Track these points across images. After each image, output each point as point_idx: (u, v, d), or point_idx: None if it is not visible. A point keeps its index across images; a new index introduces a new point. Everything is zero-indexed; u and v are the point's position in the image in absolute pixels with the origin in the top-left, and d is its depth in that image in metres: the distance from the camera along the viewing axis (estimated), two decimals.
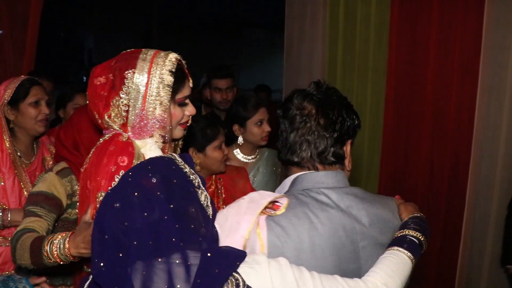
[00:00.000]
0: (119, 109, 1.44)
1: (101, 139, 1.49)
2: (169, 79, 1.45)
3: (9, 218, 2.03)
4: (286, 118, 1.27)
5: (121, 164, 1.40)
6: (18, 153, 2.24)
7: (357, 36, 3.69)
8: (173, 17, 17.03)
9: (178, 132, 1.57)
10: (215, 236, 1.09)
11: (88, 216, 1.46)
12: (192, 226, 1.00)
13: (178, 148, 1.67)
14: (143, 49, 1.50)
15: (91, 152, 1.50)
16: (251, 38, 18.89)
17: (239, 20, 19.10)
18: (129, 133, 1.45)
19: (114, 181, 1.38)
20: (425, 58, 3.13)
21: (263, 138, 2.58)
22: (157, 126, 1.45)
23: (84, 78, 15.24)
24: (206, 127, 2.38)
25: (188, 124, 1.61)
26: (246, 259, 1.01)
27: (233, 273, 0.96)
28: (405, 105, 3.32)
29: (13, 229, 2.04)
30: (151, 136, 1.47)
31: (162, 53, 1.49)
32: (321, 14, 4.06)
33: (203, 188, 1.12)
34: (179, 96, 1.51)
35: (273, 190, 1.34)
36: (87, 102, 1.53)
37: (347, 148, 1.29)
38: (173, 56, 1.48)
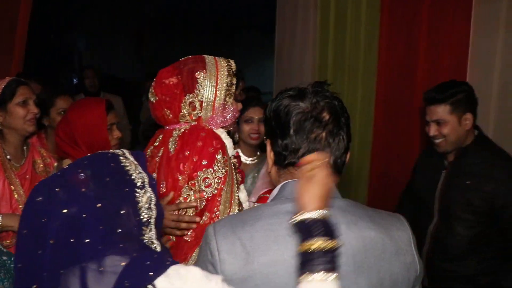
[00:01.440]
0: (193, 104, 1.67)
1: (176, 131, 1.68)
2: (233, 79, 1.72)
3: (0, 223, 2.00)
4: (291, 120, 1.18)
5: (216, 146, 1.62)
6: (8, 156, 2.23)
7: (347, 39, 3.72)
8: (165, 20, 17.00)
9: (234, 121, 1.80)
10: (144, 243, 1.02)
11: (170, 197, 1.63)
12: (119, 230, 0.95)
13: (235, 134, 2.00)
14: (204, 55, 1.75)
15: (171, 143, 1.66)
16: (244, 41, 18.94)
17: (232, 23, 19.13)
18: (205, 124, 1.69)
19: (216, 159, 1.59)
20: (415, 62, 3.16)
21: (251, 136, 2.62)
22: (226, 120, 1.71)
23: (75, 80, 15.19)
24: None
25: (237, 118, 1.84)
26: (169, 271, 0.94)
27: (148, 285, 0.91)
28: (395, 107, 3.34)
29: (6, 234, 2.06)
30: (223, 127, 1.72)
31: (221, 58, 1.76)
32: (312, 17, 4.09)
33: (149, 189, 1.05)
34: (236, 92, 1.78)
35: None
36: (151, 100, 1.75)
37: (348, 156, 1.24)
38: (231, 60, 1.76)
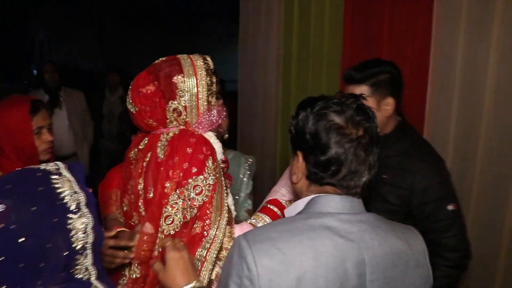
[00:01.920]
0: (178, 110, 1.60)
1: (163, 135, 1.62)
2: (213, 78, 1.66)
3: None
4: (332, 139, 1.17)
5: (206, 152, 1.56)
6: None
7: (311, 31, 3.70)
8: (128, 9, 16.62)
9: (223, 122, 1.75)
10: (72, 273, 0.93)
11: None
12: (42, 265, 0.85)
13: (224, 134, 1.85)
14: (177, 56, 1.67)
15: (159, 149, 1.59)
16: (208, 29, 18.73)
17: (195, 12, 18.88)
18: (194, 128, 1.64)
19: (206, 165, 1.54)
20: (378, 54, 3.15)
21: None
22: (214, 120, 1.65)
23: (35, 71, 14.69)
24: None
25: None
26: None
27: None
28: None
29: None
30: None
31: (196, 56, 1.68)
32: (276, 9, 4.05)
33: (85, 211, 0.96)
34: (216, 90, 1.71)
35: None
36: (131, 110, 1.66)
37: None
38: (207, 57, 1.69)
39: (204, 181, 1.53)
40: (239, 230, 1.64)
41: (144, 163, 1.63)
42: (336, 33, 3.48)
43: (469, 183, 2.70)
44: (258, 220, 1.79)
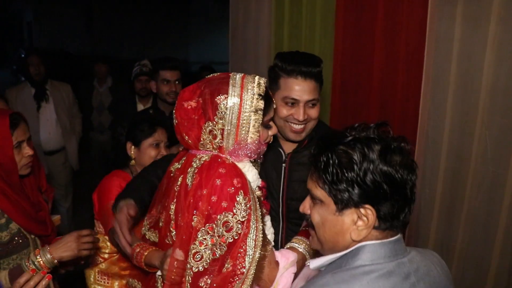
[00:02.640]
0: (212, 133, 1.51)
1: (195, 160, 1.54)
2: (260, 104, 1.52)
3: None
4: (405, 184, 1.13)
5: (237, 185, 1.46)
6: None
7: (303, 21, 3.60)
8: None
9: (262, 151, 1.64)
10: None
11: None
12: None
13: (259, 162, 1.72)
14: (231, 73, 1.56)
15: (190, 174, 1.52)
16: (199, 11, 18.45)
17: None
18: (227, 155, 1.54)
19: (236, 201, 1.43)
20: (371, 47, 3.08)
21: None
22: (251, 151, 1.54)
23: (23, 54, 14.44)
24: (145, 122, 2.35)
25: (270, 142, 1.68)
26: None
27: None
28: (351, 93, 3.28)
29: None
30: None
31: (250, 77, 1.54)
32: None
33: None
34: (266, 118, 1.59)
35: None
36: (174, 120, 1.60)
37: None
38: (261, 81, 1.54)
39: (234, 218, 1.44)
40: (284, 259, 1.61)
41: (176, 187, 1.57)
42: (328, 24, 3.38)
43: (463, 181, 2.66)
44: (299, 244, 1.76)
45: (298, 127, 1.94)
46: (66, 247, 1.86)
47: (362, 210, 1.14)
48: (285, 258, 1.63)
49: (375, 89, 3.11)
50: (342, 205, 1.16)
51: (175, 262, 1.49)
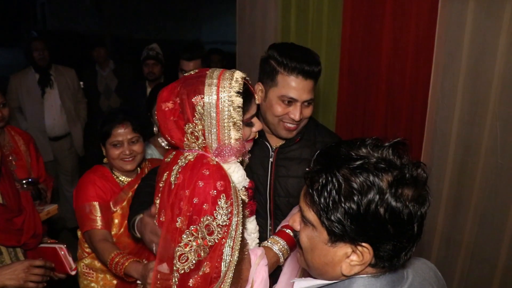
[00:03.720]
0: (194, 134, 1.48)
1: (182, 158, 1.51)
2: (239, 101, 1.46)
3: None
4: (411, 220, 0.99)
5: (220, 188, 1.42)
6: None
7: (310, 4, 3.49)
8: None
9: (247, 147, 1.60)
10: None
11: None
12: None
13: (246, 160, 1.69)
14: (208, 71, 1.50)
15: (174, 172, 1.49)
16: None
17: None
18: (212, 155, 1.50)
19: (218, 205, 1.41)
20: (380, 31, 2.97)
21: None
22: (236, 151, 1.49)
23: (35, 33, 14.45)
24: (105, 121, 2.32)
25: (255, 138, 1.65)
26: None
27: None
28: (360, 79, 3.18)
29: None
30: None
31: (227, 74, 1.48)
32: None
33: None
34: (247, 116, 1.53)
35: None
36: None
37: None
38: (238, 76, 1.48)
39: (215, 222, 1.42)
40: (253, 256, 1.60)
41: (161, 183, 1.56)
42: (336, 8, 3.27)
43: (472, 174, 2.57)
44: (273, 243, 1.73)
45: (292, 125, 1.87)
46: (12, 275, 1.80)
47: (358, 247, 1.01)
48: (254, 255, 1.61)
49: (383, 76, 3.00)
50: (335, 237, 1.02)
51: (158, 275, 1.49)
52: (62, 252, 2.17)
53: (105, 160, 2.37)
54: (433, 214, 2.81)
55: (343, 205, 0.97)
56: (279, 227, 1.84)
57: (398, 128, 2.97)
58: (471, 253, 2.68)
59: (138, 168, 2.40)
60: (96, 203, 2.19)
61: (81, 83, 5.00)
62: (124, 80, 5.10)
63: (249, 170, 1.88)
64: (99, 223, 2.17)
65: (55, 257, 2.16)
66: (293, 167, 1.95)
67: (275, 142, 1.99)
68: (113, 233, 2.22)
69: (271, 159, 1.97)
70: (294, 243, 1.71)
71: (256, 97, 1.66)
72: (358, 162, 0.99)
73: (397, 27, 2.87)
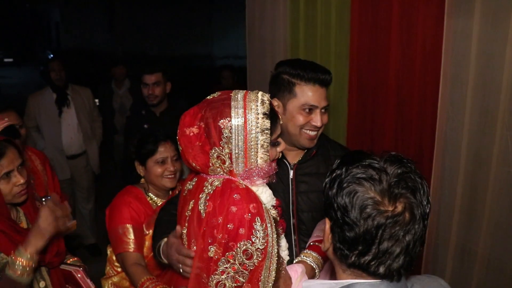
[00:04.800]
0: (221, 158, 1.46)
1: (207, 185, 1.49)
2: (266, 123, 1.46)
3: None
4: (362, 208, 1.03)
5: (254, 211, 1.41)
6: None
7: (318, 19, 3.54)
8: None
9: (273, 169, 1.59)
10: None
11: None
12: None
13: (273, 180, 1.67)
14: (232, 93, 1.49)
15: (202, 201, 1.48)
16: (223, 4, 18.39)
17: None
18: (239, 179, 1.48)
19: (254, 228, 1.39)
20: (387, 44, 3.00)
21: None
22: (264, 173, 1.49)
23: (51, 55, 14.75)
24: (149, 138, 2.34)
25: (279, 158, 1.64)
26: None
27: None
28: (369, 91, 3.21)
29: None
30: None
31: (252, 95, 1.48)
32: None
33: None
34: (274, 136, 1.53)
35: None
36: (179, 147, 1.55)
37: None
38: (265, 98, 1.48)
39: (253, 246, 1.40)
40: (293, 273, 1.62)
41: (187, 212, 1.54)
42: (344, 22, 3.32)
43: (484, 184, 2.56)
44: (307, 257, 1.77)
45: (313, 133, 1.96)
46: (36, 235, 1.79)
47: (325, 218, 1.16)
48: (294, 272, 1.62)
49: (392, 88, 3.03)
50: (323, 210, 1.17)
51: None
52: (79, 275, 2.19)
53: (142, 180, 2.39)
54: (447, 225, 2.81)
55: (325, 185, 1.14)
56: (310, 241, 1.88)
57: (408, 140, 2.99)
58: (486, 264, 2.66)
59: (169, 191, 2.42)
60: (129, 226, 2.21)
61: (96, 100, 5.10)
62: (138, 100, 5.21)
63: (271, 188, 1.92)
64: (132, 246, 2.19)
65: (74, 279, 2.20)
66: (313, 182, 2.01)
67: (292, 159, 2.05)
68: (145, 255, 2.24)
69: (290, 176, 2.02)
70: (325, 255, 1.75)
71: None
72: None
73: (404, 39, 2.90)
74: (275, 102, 1.95)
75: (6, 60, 23.36)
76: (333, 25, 3.42)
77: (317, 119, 1.91)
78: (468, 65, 2.57)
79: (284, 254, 1.67)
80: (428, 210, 1.06)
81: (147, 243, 2.26)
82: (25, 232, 1.97)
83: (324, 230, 1.17)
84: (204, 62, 17.25)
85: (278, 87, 1.96)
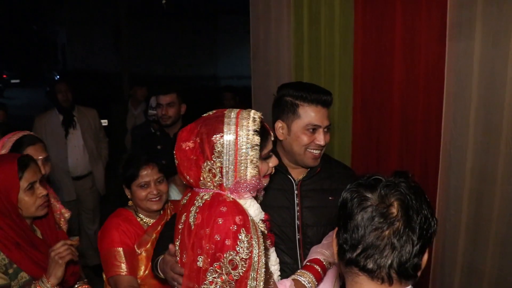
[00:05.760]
0: (212, 172, 1.54)
1: (198, 198, 1.58)
2: (256, 139, 1.55)
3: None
4: (355, 212, 1.10)
5: (240, 223, 1.48)
6: None
7: (322, 40, 3.59)
8: (144, 6, 16.65)
9: (264, 182, 1.67)
10: None
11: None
12: None
13: (261, 195, 1.76)
14: (226, 111, 1.60)
15: (192, 213, 1.56)
16: (227, 26, 18.63)
17: (214, 7, 18.80)
18: (228, 193, 1.57)
19: (239, 239, 1.46)
20: (391, 64, 3.04)
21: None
22: (252, 187, 1.56)
23: (57, 76, 14.92)
24: (131, 163, 2.36)
25: (271, 173, 1.72)
26: None
27: None
28: (373, 112, 3.24)
29: None
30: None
31: (245, 113, 1.58)
32: (285, 16, 3.94)
33: None
34: (264, 151, 1.62)
35: None
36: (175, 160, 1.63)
37: (424, 258, 1.12)
38: (256, 116, 1.58)
39: (238, 256, 1.47)
40: (281, 286, 1.67)
41: (180, 225, 1.62)
42: (347, 42, 3.36)
43: (489, 202, 2.57)
44: (301, 275, 1.80)
45: (317, 152, 2.02)
46: (53, 267, 1.91)
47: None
48: (283, 286, 1.68)
49: (396, 108, 3.06)
50: None
51: None
52: None
53: (130, 203, 2.41)
54: (453, 244, 2.80)
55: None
56: (306, 261, 1.91)
57: (413, 159, 3.00)
58: (494, 283, 2.65)
59: (160, 211, 2.43)
60: (120, 249, 2.21)
61: (104, 121, 5.12)
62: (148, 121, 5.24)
63: (276, 204, 2.02)
64: (123, 269, 2.18)
65: None
66: (317, 197, 2.08)
67: (297, 176, 2.11)
68: (139, 275, 2.24)
69: (295, 192, 2.08)
70: (321, 278, 1.82)
71: (278, 134, 1.94)
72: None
73: (407, 60, 2.94)
74: (279, 124, 2.02)
75: (13, 81, 23.58)
76: (337, 46, 3.47)
77: (320, 138, 1.98)
78: (470, 84, 2.60)
79: (274, 268, 1.71)
80: (426, 213, 1.10)
81: (141, 263, 2.27)
82: (41, 243, 2.06)
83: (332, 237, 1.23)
84: (209, 82, 17.40)
85: (282, 109, 2.03)
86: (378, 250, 1.07)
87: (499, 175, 2.52)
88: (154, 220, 2.38)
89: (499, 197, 2.55)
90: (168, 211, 2.44)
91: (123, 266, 2.19)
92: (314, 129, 1.98)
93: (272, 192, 2.00)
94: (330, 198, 2.05)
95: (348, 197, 1.13)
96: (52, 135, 4.50)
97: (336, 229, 1.19)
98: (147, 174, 2.32)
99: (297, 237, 2.06)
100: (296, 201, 2.07)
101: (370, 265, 1.08)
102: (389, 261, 1.07)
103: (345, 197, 1.14)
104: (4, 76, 22.96)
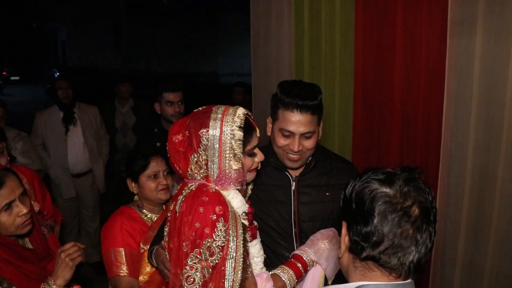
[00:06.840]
0: (198, 164, 1.63)
1: (186, 188, 1.67)
2: (239, 134, 1.62)
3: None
4: (376, 208, 1.10)
5: (219, 213, 1.56)
6: None
7: (322, 37, 3.58)
8: (144, 4, 16.63)
9: (250, 177, 1.76)
10: None
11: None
12: None
13: (249, 188, 1.89)
14: (214, 107, 1.68)
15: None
16: (228, 23, 18.60)
17: (214, 4, 18.78)
18: (212, 184, 1.65)
19: (216, 227, 1.54)
20: (391, 62, 3.04)
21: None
22: (234, 179, 1.64)
23: (57, 73, 14.88)
24: (139, 155, 2.37)
25: (258, 168, 1.79)
26: None
27: None
28: (374, 109, 3.24)
29: None
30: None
31: (231, 110, 1.66)
32: (286, 13, 3.93)
33: None
34: (249, 147, 1.69)
35: None
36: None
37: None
38: (240, 112, 1.65)
39: (214, 243, 1.54)
40: (259, 279, 1.72)
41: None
42: (348, 39, 3.35)
43: (490, 200, 2.57)
44: (283, 273, 1.85)
45: (294, 156, 2.01)
46: (62, 268, 1.88)
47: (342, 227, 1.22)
48: (260, 278, 1.74)
49: (397, 106, 3.05)
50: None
51: None
52: None
53: (135, 198, 2.40)
54: (453, 241, 2.81)
55: (341, 197, 1.23)
56: (290, 257, 1.95)
57: (413, 157, 3.00)
58: (494, 281, 2.65)
59: (163, 205, 2.43)
60: (121, 250, 2.20)
61: None
62: (141, 119, 5.19)
63: (273, 199, 2.08)
64: (124, 270, 2.17)
65: None
66: (314, 193, 2.09)
67: (294, 172, 2.13)
68: (146, 271, 2.21)
69: (292, 188, 2.10)
70: (301, 276, 1.87)
71: (267, 129, 1.98)
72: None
73: (408, 57, 2.94)
74: (268, 120, 2.07)
75: (13, 78, 23.55)
76: (338, 43, 3.46)
77: (293, 145, 1.95)
78: (471, 82, 2.60)
79: (256, 260, 1.78)
80: (435, 211, 1.13)
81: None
82: (32, 254, 1.99)
83: (341, 235, 1.23)
84: (209, 79, 17.38)
85: (271, 107, 2.05)
86: (403, 248, 1.08)
87: (500, 173, 2.53)
88: (157, 216, 2.37)
89: (499, 195, 2.56)
90: (170, 207, 2.42)
91: (124, 267, 2.18)
92: (289, 135, 1.95)
93: (270, 188, 2.08)
94: (327, 193, 2.07)
95: (364, 192, 1.12)
96: (52, 131, 4.49)
97: (345, 224, 1.20)
98: (157, 165, 2.36)
99: (294, 231, 2.09)
100: (293, 196, 2.10)
101: (393, 262, 1.10)
102: (411, 258, 1.09)
103: (358, 191, 1.14)
104: (4, 73, 22.91)
